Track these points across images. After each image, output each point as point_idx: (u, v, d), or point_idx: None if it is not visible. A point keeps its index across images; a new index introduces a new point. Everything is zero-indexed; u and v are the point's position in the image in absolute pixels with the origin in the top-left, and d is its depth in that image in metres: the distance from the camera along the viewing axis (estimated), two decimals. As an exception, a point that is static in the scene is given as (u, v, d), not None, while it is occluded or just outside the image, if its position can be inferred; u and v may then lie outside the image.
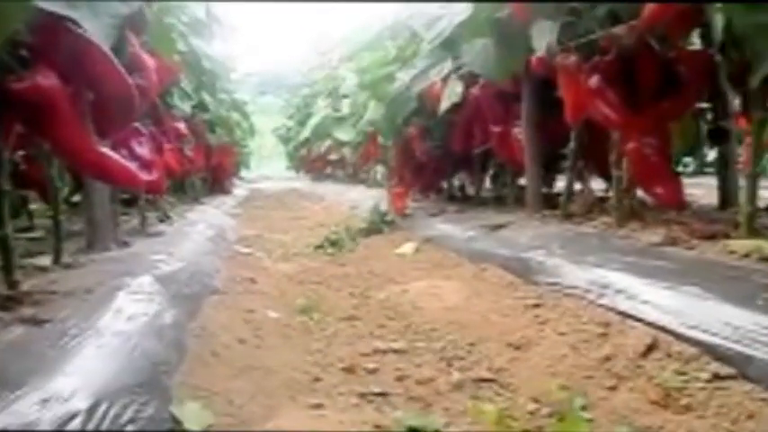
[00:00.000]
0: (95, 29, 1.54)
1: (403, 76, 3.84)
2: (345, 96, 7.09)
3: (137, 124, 3.08)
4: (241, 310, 2.41)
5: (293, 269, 3.66)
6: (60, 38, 1.75)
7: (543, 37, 2.30)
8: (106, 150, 1.81)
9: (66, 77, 1.76)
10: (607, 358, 1.59)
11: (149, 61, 2.40)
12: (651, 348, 1.53)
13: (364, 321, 2.41)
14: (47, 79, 1.71)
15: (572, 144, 2.93)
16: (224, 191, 8.94)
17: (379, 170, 8.56)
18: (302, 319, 2.45)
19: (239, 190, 11.15)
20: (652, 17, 1.89)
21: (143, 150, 3.09)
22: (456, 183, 5.08)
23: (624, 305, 1.81)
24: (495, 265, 2.79)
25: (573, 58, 2.51)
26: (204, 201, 6.82)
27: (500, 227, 3.16)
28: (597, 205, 3.03)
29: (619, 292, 1.88)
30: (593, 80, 2.33)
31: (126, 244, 2.99)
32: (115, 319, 1.68)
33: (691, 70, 2.28)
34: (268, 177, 19.06)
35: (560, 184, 4.14)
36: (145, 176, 3.08)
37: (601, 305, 1.93)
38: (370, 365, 1.89)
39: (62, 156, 1.89)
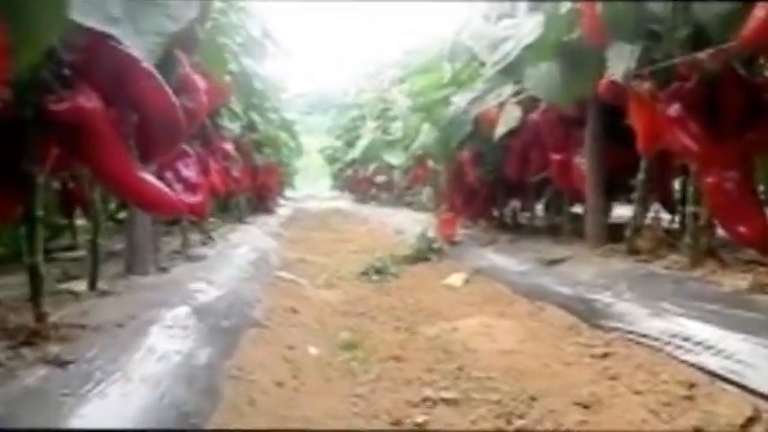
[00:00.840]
0: (139, 47, 1.42)
1: (459, 100, 3.68)
2: (395, 119, 6.97)
3: (184, 146, 3.01)
4: (281, 345, 2.26)
5: (336, 298, 3.51)
6: (103, 56, 1.65)
7: (621, 61, 2.12)
8: (147, 176, 1.69)
9: (109, 98, 1.66)
10: (697, 430, 1.37)
11: (200, 82, 2.30)
12: (752, 421, 1.31)
13: (411, 362, 2.23)
14: (88, 101, 1.60)
15: (641, 175, 2.71)
16: (268, 210, 8.89)
17: (426, 193, 8.38)
18: (345, 357, 2.29)
19: (283, 209, 11.10)
20: (756, 36, 1.68)
21: (189, 173, 2.99)
22: (508, 211, 4.87)
23: (713, 364, 1.59)
24: (554, 304, 2.58)
25: (648, 85, 2.31)
26: (248, 220, 6.75)
27: (558, 261, 2.95)
28: (666, 241, 2.79)
29: (705, 347, 1.66)
30: (673, 108, 2.12)
31: (165, 270, 2.88)
32: (145, 360, 1.55)
33: (781, 98, 2.06)
34: (312, 197, 19.08)
35: (618, 211, 3.92)
36: (189, 199, 3.01)
37: (682, 361, 1.71)
38: (420, 418, 1.71)
39: (101, 181, 1.78)
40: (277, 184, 9.68)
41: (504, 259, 3.54)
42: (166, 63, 1.82)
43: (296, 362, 2.10)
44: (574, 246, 3.37)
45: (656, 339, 1.87)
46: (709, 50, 2.14)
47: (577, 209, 4.14)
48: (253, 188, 7.46)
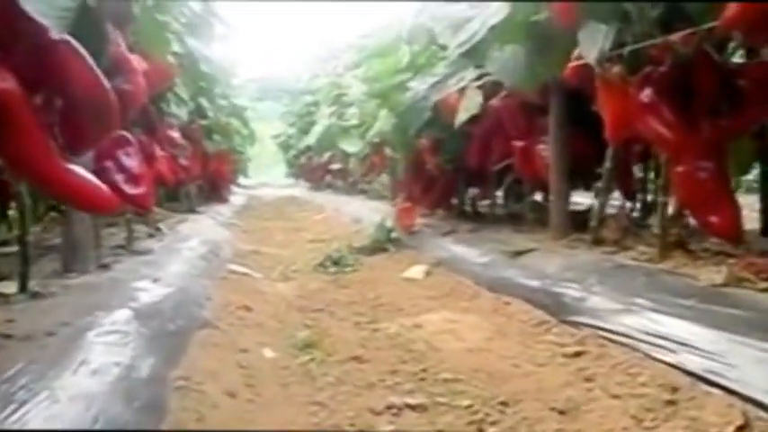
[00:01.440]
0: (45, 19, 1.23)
1: (418, 85, 3.53)
2: (351, 105, 6.78)
3: (124, 133, 2.79)
4: (233, 348, 2.10)
5: (292, 292, 3.35)
6: (20, 31, 1.45)
7: (594, 44, 2.00)
8: (74, 169, 1.50)
9: (28, 80, 1.46)
10: (685, 439, 1.28)
11: (136, 62, 2.09)
12: (743, 430, 1.22)
13: (373, 363, 2.10)
14: (1, 81, 1.40)
15: (607, 163, 2.62)
16: (221, 199, 8.62)
17: (382, 181, 8.25)
18: (303, 359, 2.14)
19: (237, 197, 10.82)
20: (738, 18, 1.59)
21: (131, 162, 2.77)
22: (467, 199, 4.77)
23: (694, 364, 1.50)
24: (520, 298, 2.48)
25: (617, 69, 2.21)
26: (199, 210, 6.50)
27: (522, 252, 2.85)
28: (631, 232, 2.72)
29: (684, 345, 1.58)
30: (645, 94, 2.03)
31: (106, 267, 2.68)
32: (77, 376, 1.37)
33: (755, 83, 1.98)
34: (266, 185, 18.73)
35: (575, 198, 3.86)
36: (132, 190, 2.80)
37: (660, 361, 1.62)
38: (385, 428, 1.58)
39: (19, 173, 1.58)
40: (230, 172, 9.40)
41: (466, 250, 3.44)
42: (95, 40, 1.63)
43: (250, 367, 1.95)
44: (537, 235, 3.28)
45: (631, 337, 1.78)
46: (682, 33, 2.06)
47: (537, 197, 4.09)
48: (204, 176, 7.20)
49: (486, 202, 4.78)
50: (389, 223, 4.60)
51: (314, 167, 11.76)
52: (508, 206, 4.52)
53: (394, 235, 4.50)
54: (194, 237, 4.27)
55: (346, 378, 1.97)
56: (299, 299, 3.18)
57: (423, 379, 1.93)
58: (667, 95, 2.05)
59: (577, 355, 1.84)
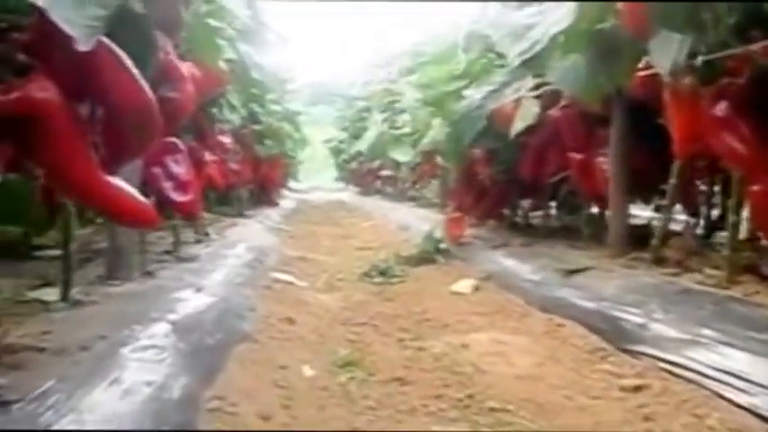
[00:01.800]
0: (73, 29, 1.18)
1: (473, 94, 3.42)
2: (403, 112, 6.70)
3: (173, 139, 2.78)
4: (272, 365, 2.03)
5: (336, 303, 3.28)
6: (63, 39, 1.42)
7: (667, 54, 1.86)
8: (114, 181, 1.45)
9: (69, 89, 1.42)
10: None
11: (185, 70, 2.05)
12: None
13: (416, 386, 2.00)
14: (42, 90, 1.36)
15: (673, 179, 2.46)
16: (271, 203, 8.66)
17: (431, 189, 8.14)
18: (343, 378, 2.06)
19: (287, 201, 10.88)
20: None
21: (179, 169, 2.76)
22: (520, 211, 4.62)
23: (771, 410, 1.35)
24: (574, 320, 2.35)
25: (689, 81, 2.06)
26: (249, 213, 6.52)
27: (578, 271, 2.71)
28: (696, 252, 2.55)
29: (759, 386, 1.42)
30: (720, 107, 1.87)
31: (151, 274, 2.66)
32: (107, 395, 1.32)
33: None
34: (316, 188, 18.85)
35: (634, 212, 3.68)
36: (180, 198, 2.78)
37: (731, 402, 1.47)
38: (426, 462, 1.49)
39: (58, 185, 1.54)
40: (281, 176, 9.44)
41: (517, 265, 3.31)
42: (141, 47, 1.59)
43: (288, 387, 1.87)
44: (592, 252, 3.13)
45: (698, 373, 1.63)
46: (763, 43, 1.90)
47: (593, 210, 3.92)
48: (255, 180, 7.24)
49: (539, 214, 4.63)
50: (438, 233, 4.49)
51: (364, 173, 11.73)
52: (561, 219, 4.36)
53: (443, 246, 4.39)
54: (241, 242, 4.26)
55: (387, 401, 1.88)
56: (342, 311, 3.11)
57: (467, 406, 1.82)
58: (744, 110, 1.89)
59: (637, 389, 1.70)
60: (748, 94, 1.90)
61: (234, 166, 5.63)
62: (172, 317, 1.96)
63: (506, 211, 4.64)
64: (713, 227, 3.14)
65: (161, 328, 1.84)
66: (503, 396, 1.84)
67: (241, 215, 6.18)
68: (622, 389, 1.71)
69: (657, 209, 3.42)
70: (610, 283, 2.42)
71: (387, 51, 10.41)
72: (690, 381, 1.66)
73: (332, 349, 2.40)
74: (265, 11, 3.81)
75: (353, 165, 12.83)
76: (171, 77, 1.96)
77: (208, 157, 4.10)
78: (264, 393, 1.77)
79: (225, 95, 3.19)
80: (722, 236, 3.02)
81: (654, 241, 2.61)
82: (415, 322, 2.84)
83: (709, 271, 2.32)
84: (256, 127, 6.36)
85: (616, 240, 2.86)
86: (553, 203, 4.23)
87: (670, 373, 1.73)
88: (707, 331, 1.75)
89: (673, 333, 1.84)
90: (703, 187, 3.27)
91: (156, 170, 2.67)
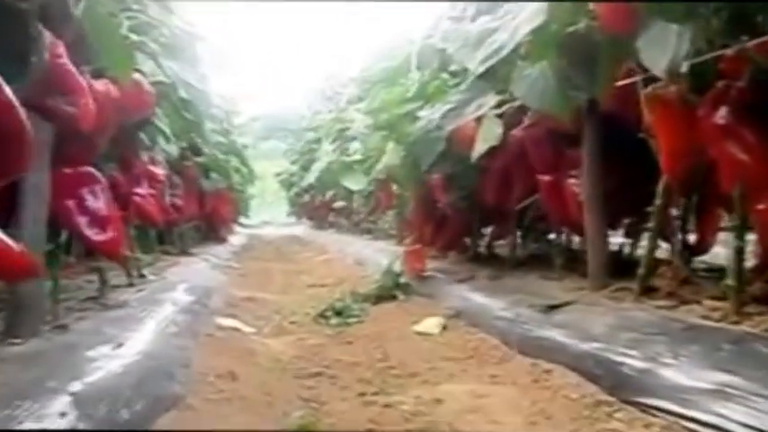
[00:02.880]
0: None
1: (430, 114, 3.13)
2: (354, 140, 6.40)
3: (89, 168, 2.39)
4: (205, 441, 1.65)
5: (288, 351, 2.90)
6: None
7: (663, 50, 1.59)
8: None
9: None
10: None
11: (83, 82, 1.69)
12: None
13: (385, 456, 1.65)
14: None
15: (658, 200, 2.20)
16: (219, 239, 8.22)
17: (387, 220, 7.85)
18: (294, 452, 1.69)
19: (237, 237, 10.47)
20: None
21: (96, 203, 2.38)
22: (483, 241, 4.33)
23: None
24: (563, 365, 2.03)
25: (675, 88, 1.80)
26: (195, 251, 6.09)
27: (559, 306, 2.41)
28: (689, 281, 2.28)
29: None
30: (720, 115, 1.61)
31: (63, 328, 2.24)
32: None
33: None
34: (268, 223, 18.43)
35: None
36: (98, 236, 2.39)
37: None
38: None
39: None
40: (229, 212, 9.01)
41: (489, 300, 2.99)
42: (21, 50, 1.22)
43: (223, 472, 1.49)
44: (569, 284, 2.84)
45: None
46: (759, 39, 1.66)
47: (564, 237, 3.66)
48: (201, 216, 6.82)
49: (503, 243, 4.36)
50: (397, 267, 4.16)
51: (316, 206, 11.38)
52: (528, 248, 4.08)
53: (403, 280, 4.06)
54: (181, 284, 3.84)
55: (350, 480, 1.52)
56: (295, 360, 2.73)
57: (449, 482, 1.48)
58: (748, 117, 1.63)
59: (657, 457, 1.38)
60: (748, 99, 1.64)
61: (175, 200, 5.26)
62: (75, 386, 1.57)
63: (469, 241, 4.35)
64: (690, 253, 2.90)
65: (59, 402, 1.45)
66: (491, 467, 1.50)
67: (185, 253, 5.75)
68: (639, 456, 1.39)
69: (629, 234, 3.18)
70: (599, 320, 2.12)
71: (335, 80, 10.16)
72: (720, 442, 1.35)
73: (282, 411, 2.02)
74: (204, 33, 3.46)
75: (305, 198, 12.47)
76: (64, 88, 1.59)
77: (139, 189, 3.73)
78: (192, 484, 1.39)
79: (153, 122, 2.82)
80: (701, 262, 2.80)
81: (640, 270, 2.33)
82: (377, 371, 2.49)
83: (708, 302, 2.04)
84: (199, 159, 5.98)
85: (596, 270, 2.57)
86: (519, 232, 3.95)
87: (694, 432, 1.42)
88: (733, 379, 1.45)
89: (690, 381, 1.53)
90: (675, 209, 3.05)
91: (69, 203, 2.28)
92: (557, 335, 2.20)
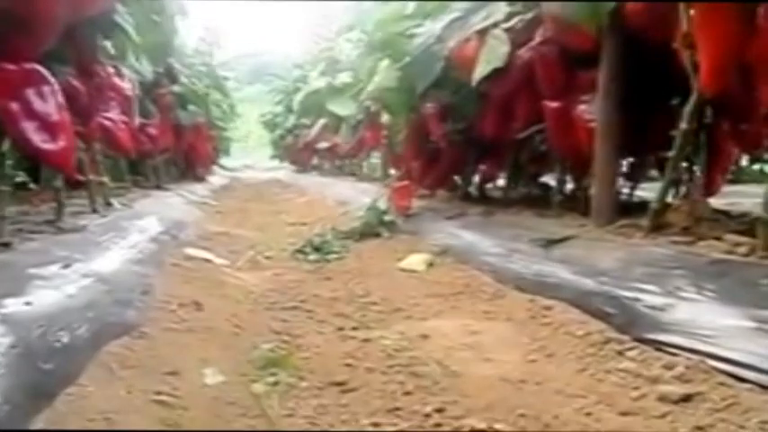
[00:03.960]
0: None
1: (431, 26, 2.80)
2: (343, 71, 6.00)
3: (37, 66, 2.09)
4: (157, 371, 1.42)
5: (262, 284, 2.68)
6: None
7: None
8: None
9: None
10: None
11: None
12: None
13: (362, 395, 1.44)
14: None
15: (684, 125, 1.96)
16: (198, 177, 7.91)
17: (372, 163, 7.59)
18: (260, 386, 1.47)
19: (217, 178, 10.18)
20: None
21: (46, 107, 2.08)
22: (474, 178, 4.08)
23: None
24: (566, 302, 1.81)
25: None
26: (170, 187, 5.80)
27: (559, 241, 2.19)
28: (707, 219, 2.07)
29: None
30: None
31: (6, 246, 1.98)
32: None
33: None
34: (251, 167, 18.06)
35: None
36: (46, 144, 2.10)
37: None
38: None
39: None
40: (208, 149, 8.66)
41: (480, 237, 2.77)
42: None
43: (174, 405, 1.26)
44: (568, 220, 2.62)
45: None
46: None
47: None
48: (177, 151, 6.50)
49: (498, 183, 4.13)
50: (382, 204, 3.92)
51: (300, 148, 11.03)
52: (518, 189, 3.84)
53: (388, 218, 3.82)
54: (151, 215, 3.59)
55: (322, 419, 1.31)
56: (268, 293, 2.51)
57: (437, 426, 1.27)
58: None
59: (686, 399, 1.17)
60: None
61: (148, 129, 4.93)
62: (8, 305, 1.32)
63: (460, 180, 4.11)
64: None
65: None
66: (487, 410, 1.29)
67: (159, 188, 5.46)
68: (663, 399, 1.18)
69: (629, 175, 2.95)
70: (607, 255, 1.90)
71: (325, 14, 9.69)
72: (755, 384, 1.14)
73: (250, 344, 1.80)
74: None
75: (289, 139, 12.09)
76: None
77: (110, 114, 3.42)
78: (133, 418, 1.16)
79: (117, 23, 2.49)
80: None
81: (653, 204, 2.11)
82: (357, 307, 2.28)
83: (730, 237, 1.83)
84: (175, 88, 5.62)
85: (602, 205, 2.35)
86: (513, 169, 3.70)
87: (728, 374, 1.21)
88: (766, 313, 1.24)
89: (718, 318, 1.32)
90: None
91: (12, 105, 1.99)
92: (557, 270, 1.98)
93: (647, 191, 3.15)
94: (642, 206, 2.68)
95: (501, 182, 4.25)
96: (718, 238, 1.88)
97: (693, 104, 1.90)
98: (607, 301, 1.64)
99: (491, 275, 2.35)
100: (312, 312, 2.22)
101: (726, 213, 2.32)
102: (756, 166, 4.72)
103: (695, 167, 2.25)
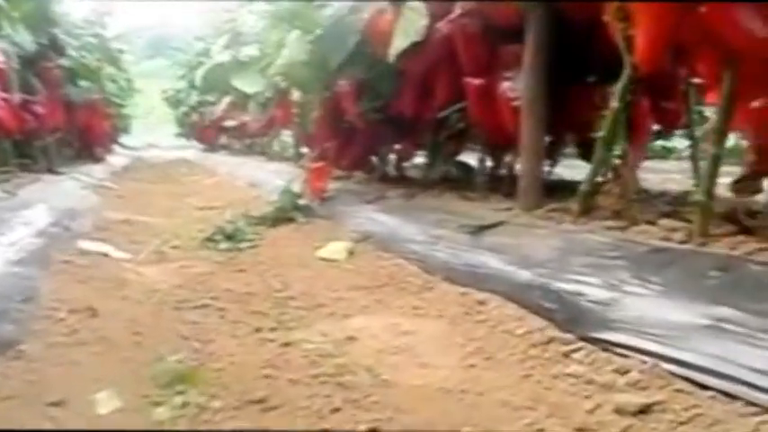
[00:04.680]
0: None
1: None
2: (249, 44, 5.64)
3: None
4: (36, 404, 1.19)
5: (168, 279, 2.44)
6: None
7: None
8: None
9: None
10: None
11: None
12: None
13: (286, 414, 1.27)
14: None
15: (616, 102, 1.88)
16: (95, 158, 7.37)
17: (283, 141, 7.31)
18: (165, 411, 1.27)
19: (118, 158, 9.61)
20: None
21: None
22: (391, 159, 3.94)
23: None
24: (501, 295, 1.70)
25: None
26: (64, 171, 5.34)
27: (487, 227, 2.08)
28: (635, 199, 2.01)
29: None
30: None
31: None
32: None
33: None
34: (154, 145, 17.25)
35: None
36: None
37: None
38: None
39: None
40: (105, 128, 8.09)
41: (403, 222, 2.63)
42: None
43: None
44: (495, 204, 2.52)
45: (738, 381, 1.04)
46: None
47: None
48: (70, 130, 5.99)
49: (412, 165, 4.01)
50: (297, 187, 3.71)
51: (206, 126, 10.52)
52: (436, 169, 3.73)
53: (302, 202, 3.62)
54: (39, 203, 3.24)
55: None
56: (176, 290, 2.27)
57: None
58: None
59: (645, 411, 1.07)
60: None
61: (34, 107, 4.48)
62: None
63: (377, 160, 3.96)
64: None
65: None
66: (428, 427, 1.15)
67: (50, 171, 5.00)
68: (619, 410, 1.08)
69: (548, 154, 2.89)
70: (541, 243, 1.80)
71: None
72: (725, 394, 1.06)
73: (153, 354, 1.58)
74: None
75: (194, 117, 11.52)
76: None
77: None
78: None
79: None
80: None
81: (583, 186, 2.03)
82: (275, 303, 2.09)
83: (665, 222, 1.77)
84: (63, 61, 5.13)
85: (529, 188, 2.25)
86: (429, 152, 3.58)
87: (687, 380, 1.12)
88: (723, 310, 1.16)
89: (671, 314, 1.24)
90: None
91: None
92: (489, 259, 1.87)
93: (564, 168, 3.13)
94: (564, 187, 2.63)
95: (419, 160, 4.15)
96: (651, 223, 1.82)
97: (625, 81, 1.81)
98: (546, 294, 1.54)
99: (417, 265, 2.21)
100: (225, 311, 2.02)
101: (647, 192, 2.28)
102: (659, 143, 4.82)
103: (619, 147, 2.18)
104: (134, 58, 11.89)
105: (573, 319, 1.41)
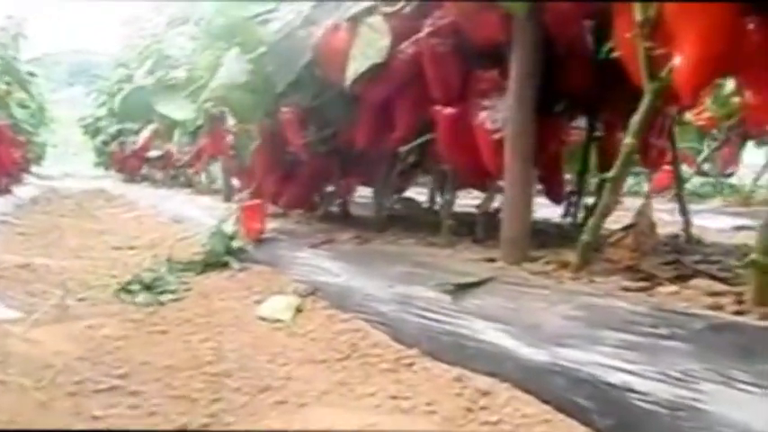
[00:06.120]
0: None
1: (292, 8, 2.19)
2: (176, 68, 5.15)
3: None
4: None
5: (67, 348, 1.96)
6: None
7: None
8: None
9: None
10: None
11: None
12: None
13: None
14: None
15: (628, 139, 1.55)
16: (-1, 190, 6.67)
17: (212, 173, 6.82)
18: None
19: (28, 189, 8.89)
20: None
21: None
22: (333, 196, 3.55)
23: None
24: (510, 383, 1.31)
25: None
26: (-43, 204, 4.70)
27: (472, 285, 1.69)
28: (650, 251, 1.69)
29: None
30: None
31: None
32: None
33: None
34: (70, 175, 16.35)
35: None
36: None
37: None
38: None
39: None
40: (14, 157, 7.40)
41: (359, 275, 2.20)
42: None
43: None
44: (467, 253, 2.17)
45: None
46: None
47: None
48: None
49: (356, 201, 3.65)
50: (230, 227, 3.26)
51: (127, 156, 9.85)
52: (383, 207, 3.35)
53: (237, 244, 3.17)
54: None
55: None
56: (76, 364, 1.80)
57: None
58: None
59: None
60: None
61: None
62: None
63: (320, 197, 3.55)
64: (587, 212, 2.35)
65: None
66: None
67: (-61, 205, 4.36)
68: None
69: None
70: (548, 309, 1.43)
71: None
72: None
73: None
74: None
75: (114, 146, 10.81)
76: None
77: None
78: None
79: None
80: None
81: (585, 236, 1.69)
82: (207, 383, 1.65)
83: (700, 283, 1.44)
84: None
85: (515, 236, 1.89)
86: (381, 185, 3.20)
87: None
88: None
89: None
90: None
91: None
92: (483, 330, 1.48)
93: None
94: (540, 231, 2.31)
95: (359, 198, 3.79)
96: (676, 282, 1.49)
97: (644, 114, 1.48)
98: (578, 387, 1.16)
99: (384, 331, 1.80)
100: (139, 397, 1.57)
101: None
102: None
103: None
104: (53, 85, 11.19)
105: (625, 427, 1.04)
